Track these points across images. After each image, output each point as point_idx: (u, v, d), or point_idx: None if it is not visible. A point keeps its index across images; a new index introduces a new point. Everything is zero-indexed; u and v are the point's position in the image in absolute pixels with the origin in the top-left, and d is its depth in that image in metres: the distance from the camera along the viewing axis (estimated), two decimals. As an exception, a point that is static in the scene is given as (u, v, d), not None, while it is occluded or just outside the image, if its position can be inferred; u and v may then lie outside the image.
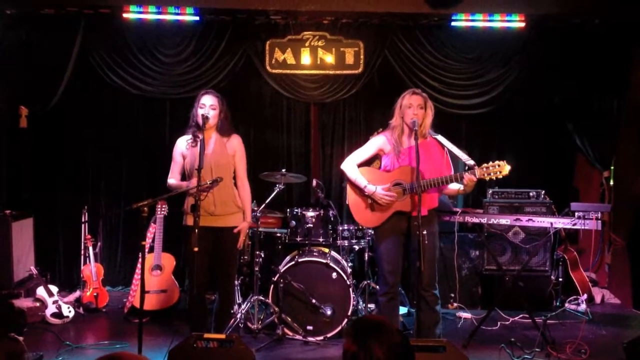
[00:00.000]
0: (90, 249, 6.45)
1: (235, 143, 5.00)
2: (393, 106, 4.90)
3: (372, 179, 4.84)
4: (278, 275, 5.53)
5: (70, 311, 6.01)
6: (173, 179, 4.97)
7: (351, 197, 4.96)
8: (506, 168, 4.49)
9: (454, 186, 4.79)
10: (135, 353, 2.10)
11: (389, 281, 4.84)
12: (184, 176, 4.99)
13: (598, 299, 6.86)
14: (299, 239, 5.88)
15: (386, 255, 4.84)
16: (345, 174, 4.99)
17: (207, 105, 4.85)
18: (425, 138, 4.82)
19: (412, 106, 4.75)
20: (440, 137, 4.86)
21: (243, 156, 5.05)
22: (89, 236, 6.56)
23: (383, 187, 4.76)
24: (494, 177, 4.52)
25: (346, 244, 5.98)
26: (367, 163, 5.05)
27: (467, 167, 4.67)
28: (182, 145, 4.96)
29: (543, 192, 6.55)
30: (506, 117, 7.27)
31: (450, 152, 4.83)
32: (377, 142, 4.97)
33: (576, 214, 5.48)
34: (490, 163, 4.53)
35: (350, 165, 4.94)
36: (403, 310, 6.10)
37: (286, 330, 5.48)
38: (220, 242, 4.90)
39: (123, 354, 2.11)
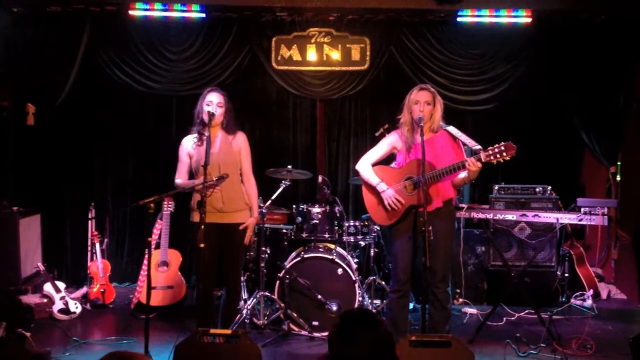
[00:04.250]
0: (97, 245, 6.48)
1: (241, 140, 5.00)
2: (402, 102, 4.89)
3: (385, 176, 4.83)
4: (284, 271, 5.55)
5: (77, 307, 6.04)
6: (180, 179, 4.97)
7: (367, 196, 4.95)
8: (512, 149, 4.42)
9: (461, 175, 4.74)
10: (137, 352, 2.12)
11: (400, 278, 4.83)
12: (191, 175, 4.99)
13: (604, 295, 6.85)
14: (304, 235, 5.90)
15: (400, 252, 4.83)
16: (359, 174, 4.98)
17: (214, 102, 4.85)
18: (435, 132, 4.81)
19: (419, 102, 4.73)
20: (451, 128, 4.83)
21: (248, 153, 5.06)
22: (96, 232, 6.60)
23: (396, 185, 4.75)
24: (500, 160, 4.44)
25: (352, 240, 5.99)
26: (384, 162, 5.04)
27: (473, 153, 4.64)
28: (188, 144, 4.96)
29: (549, 187, 6.55)
30: (512, 113, 7.25)
31: (461, 140, 4.80)
32: (389, 140, 4.96)
33: (582, 209, 5.45)
34: (496, 145, 4.44)
35: (364, 165, 4.93)
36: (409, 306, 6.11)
37: (292, 326, 5.50)
38: (227, 238, 4.90)
39: (125, 353, 2.13)
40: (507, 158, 4.44)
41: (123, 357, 2.11)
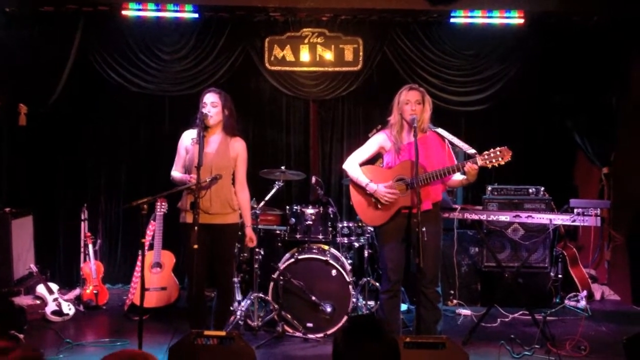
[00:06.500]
0: (90, 246, 6.45)
1: (239, 146, 4.98)
2: (391, 103, 4.89)
3: (374, 176, 4.82)
4: (278, 272, 5.54)
5: (70, 309, 6.01)
6: (177, 172, 4.96)
7: (355, 196, 4.93)
8: (508, 154, 4.46)
9: (457, 177, 4.77)
10: (143, 350, 2.13)
11: (391, 279, 4.84)
12: (185, 171, 4.97)
13: (598, 296, 6.87)
14: (298, 236, 5.88)
15: (389, 253, 4.83)
16: (347, 174, 4.97)
17: (208, 103, 4.84)
18: (424, 132, 4.81)
19: (410, 102, 4.73)
20: (440, 130, 4.84)
21: (244, 160, 5.02)
22: (89, 234, 6.57)
23: (385, 185, 4.75)
24: (496, 164, 4.49)
25: (346, 241, 5.98)
26: (371, 162, 5.03)
27: (467, 156, 4.65)
28: (187, 139, 4.94)
29: (542, 188, 6.55)
30: (505, 114, 7.27)
31: (451, 143, 4.81)
32: (377, 140, 4.95)
33: (575, 210, 5.46)
34: (492, 150, 4.50)
35: (352, 165, 4.92)
36: (403, 307, 6.09)
37: (286, 328, 5.49)
38: (217, 239, 4.88)
39: (129, 352, 2.12)
40: (503, 163, 4.47)
41: (131, 356, 2.10)
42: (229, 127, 4.94)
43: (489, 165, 4.51)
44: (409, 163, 4.69)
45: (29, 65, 6.74)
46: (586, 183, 7.50)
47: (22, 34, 6.74)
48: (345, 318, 5.41)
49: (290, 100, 7.37)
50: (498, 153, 4.48)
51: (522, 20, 6.76)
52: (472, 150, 4.61)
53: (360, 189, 4.87)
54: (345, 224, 6.02)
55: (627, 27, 6.80)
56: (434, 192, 4.78)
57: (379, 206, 4.79)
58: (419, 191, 4.47)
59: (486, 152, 4.51)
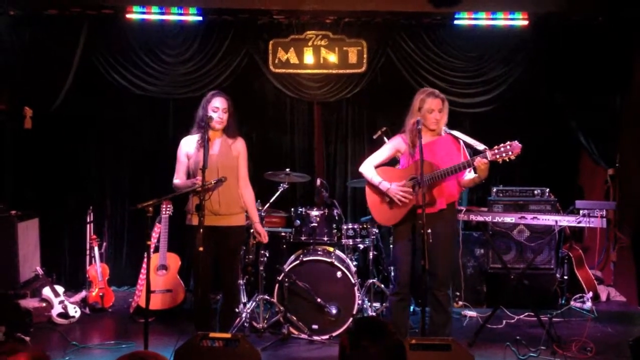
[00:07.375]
0: (96, 249, 6.47)
1: (240, 145, 5.02)
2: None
3: (388, 177, 4.83)
4: (283, 274, 5.54)
5: (76, 311, 6.02)
6: (179, 180, 4.96)
7: (370, 197, 4.95)
8: (517, 148, 4.45)
9: (469, 175, 4.76)
10: (155, 352, 2.15)
11: (401, 281, 4.83)
12: (189, 176, 4.98)
13: (603, 297, 6.85)
14: (303, 238, 5.89)
15: (401, 255, 4.83)
16: (363, 176, 4.98)
17: (220, 108, 4.85)
18: (439, 135, 4.83)
19: (434, 111, 4.74)
20: (455, 132, 4.85)
21: (245, 159, 5.07)
22: (95, 236, 6.58)
23: (398, 184, 4.76)
24: (506, 159, 4.47)
25: (351, 243, 5.98)
26: (388, 165, 5.04)
27: (477, 153, 4.64)
28: (187, 145, 4.96)
29: (548, 190, 6.54)
30: (509, 115, 7.24)
31: (465, 143, 4.81)
32: (393, 144, 4.97)
33: (581, 211, 5.46)
34: (502, 144, 4.49)
35: (368, 167, 4.95)
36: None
37: (291, 329, 5.49)
38: (223, 241, 4.90)
39: (141, 353, 2.14)
40: (513, 157, 4.46)
41: (144, 358, 2.11)
42: (231, 131, 4.97)
43: (500, 160, 4.48)
44: (420, 163, 4.69)
45: (33, 69, 6.77)
46: (591, 184, 7.48)
47: (27, 37, 6.77)
48: (350, 320, 5.41)
49: (294, 102, 7.37)
50: (508, 147, 4.46)
51: (526, 22, 6.76)
52: (481, 146, 4.61)
53: (375, 188, 4.89)
54: (350, 226, 6.02)
55: (631, 28, 6.78)
56: (449, 191, 4.76)
57: (393, 205, 4.79)
58: (424, 191, 4.45)
59: (496, 146, 4.50)
